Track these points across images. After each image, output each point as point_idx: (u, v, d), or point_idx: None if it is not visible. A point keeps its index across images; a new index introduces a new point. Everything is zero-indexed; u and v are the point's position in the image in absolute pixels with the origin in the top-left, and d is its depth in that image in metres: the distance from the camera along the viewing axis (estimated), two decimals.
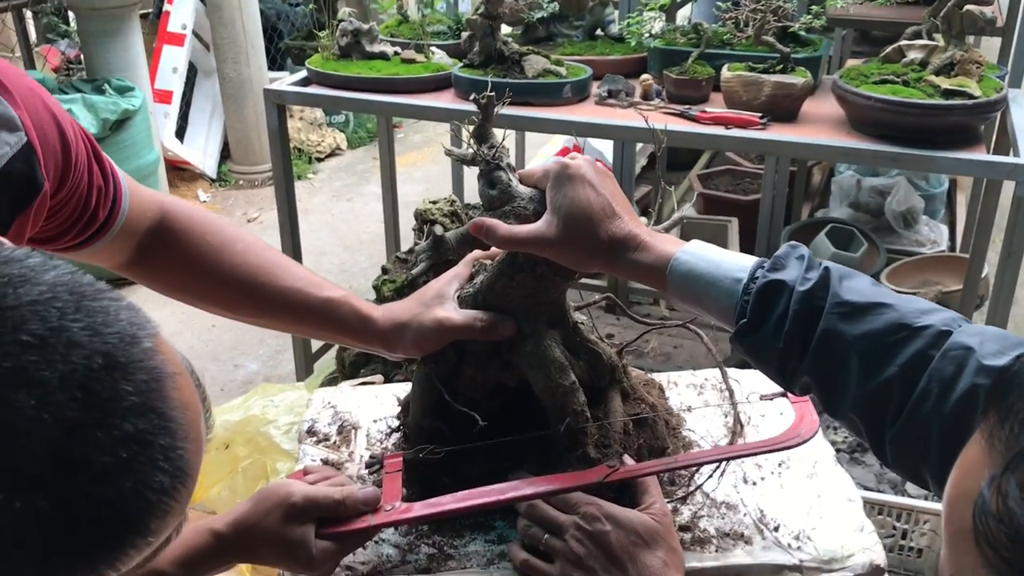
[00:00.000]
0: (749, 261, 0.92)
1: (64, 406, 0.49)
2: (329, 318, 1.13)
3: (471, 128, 1.06)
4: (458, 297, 1.11)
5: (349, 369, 2.56)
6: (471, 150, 1.06)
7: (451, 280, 1.13)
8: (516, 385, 1.12)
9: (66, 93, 3.73)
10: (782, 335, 0.86)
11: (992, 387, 0.53)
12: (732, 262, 0.93)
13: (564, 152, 4.03)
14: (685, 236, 3.51)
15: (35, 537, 0.49)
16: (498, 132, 1.07)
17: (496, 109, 1.06)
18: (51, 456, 0.48)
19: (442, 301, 1.10)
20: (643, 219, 1.10)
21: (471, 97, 1.04)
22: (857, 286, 0.87)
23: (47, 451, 0.48)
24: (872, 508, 2.40)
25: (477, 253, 1.14)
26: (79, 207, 0.92)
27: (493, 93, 1.04)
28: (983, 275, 3.22)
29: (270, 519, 0.97)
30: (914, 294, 3.13)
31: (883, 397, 0.82)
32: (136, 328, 0.54)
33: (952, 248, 3.93)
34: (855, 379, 0.83)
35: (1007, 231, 2.08)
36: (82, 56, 4.79)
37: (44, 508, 0.48)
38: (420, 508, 1.01)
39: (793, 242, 0.94)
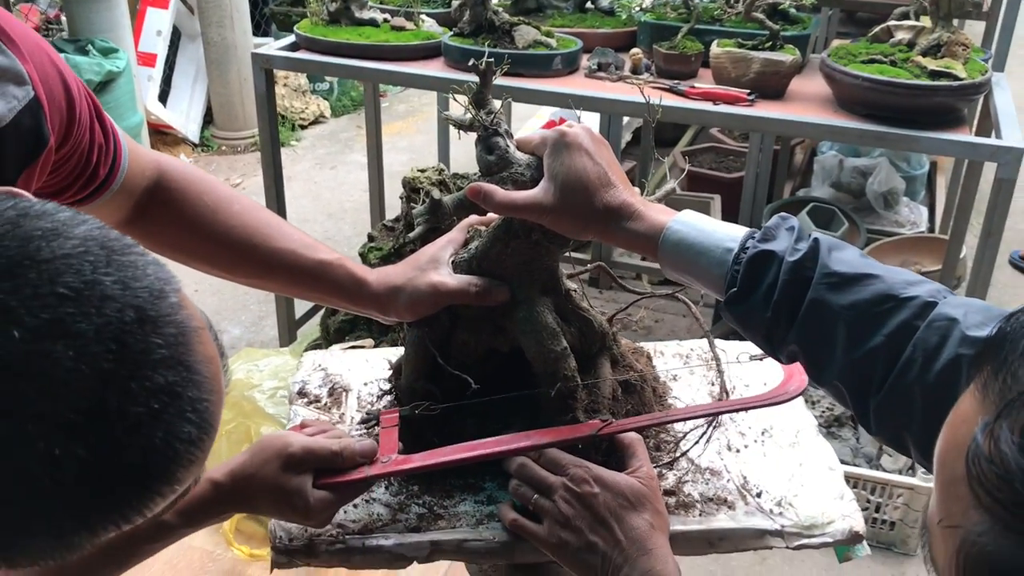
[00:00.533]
0: (740, 231, 0.94)
1: (100, 358, 0.50)
2: (323, 280, 1.14)
3: (469, 94, 1.07)
4: (453, 262, 1.12)
5: (334, 335, 2.57)
6: (469, 116, 1.07)
7: (446, 245, 1.14)
8: (508, 350, 1.13)
9: None
10: (771, 304, 0.88)
11: (986, 344, 0.55)
12: (723, 232, 0.94)
13: (550, 125, 4.03)
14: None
15: (72, 483, 0.50)
16: (496, 99, 1.08)
17: (494, 76, 1.06)
18: (89, 406, 0.50)
19: (437, 266, 1.12)
20: (635, 189, 1.12)
21: (470, 63, 1.05)
22: (846, 257, 0.89)
23: (85, 401, 0.50)
24: (847, 481, 2.45)
25: (472, 219, 1.15)
26: (81, 163, 0.92)
27: (492, 59, 1.05)
28: (961, 256, 3.27)
29: (268, 468, 0.99)
30: None
31: (868, 366, 0.84)
32: (163, 283, 0.56)
33: (931, 229, 3.98)
34: (841, 348, 0.86)
35: (987, 212, 2.11)
36: (63, 16, 4.73)
37: (81, 455, 0.50)
38: (418, 459, 1.03)
39: (783, 213, 0.96)
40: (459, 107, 1.07)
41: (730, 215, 3.74)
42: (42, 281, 0.50)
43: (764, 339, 0.93)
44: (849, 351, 0.85)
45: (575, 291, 1.16)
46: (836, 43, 4.22)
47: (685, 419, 1.14)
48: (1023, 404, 0.48)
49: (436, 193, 1.07)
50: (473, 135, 1.08)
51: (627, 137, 4.63)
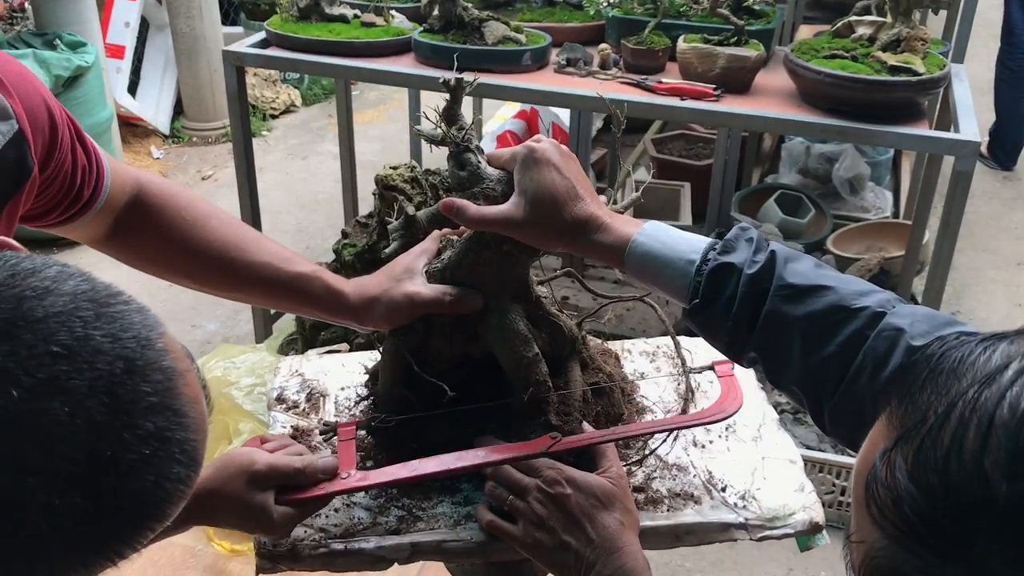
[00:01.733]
0: (702, 243, 0.99)
1: (94, 411, 0.53)
2: (301, 292, 1.17)
3: (440, 110, 1.10)
4: (426, 272, 1.16)
5: (310, 331, 2.60)
6: (440, 131, 1.10)
7: (419, 255, 1.18)
8: (481, 356, 1.17)
9: (16, 48, 3.66)
10: (731, 315, 0.93)
11: (899, 373, 0.61)
12: (686, 244, 0.99)
13: (521, 115, 4.06)
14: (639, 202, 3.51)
15: (70, 528, 0.54)
16: (467, 114, 1.11)
17: (465, 92, 1.10)
18: (85, 457, 0.53)
19: (411, 276, 1.15)
20: (602, 198, 1.16)
21: (440, 80, 1.08)
22: (801, 269, 0.93)
23: (82, 453, 0.53)
24: (813, 466, 2.52)
25: (445, 229, 1.19)
26: (65, 186, 0.95)
27: (462, 76, 1.08)
28: (924, 241, 3.35)
29: (232, 485, 1.02)
30: (858, 259, 3.25)
31: (823, 373, 0.89)
32: (148, 330, 0.59)
33: (897, 213, 4.06)
34: (797, 356, 0.91)
35: (945, 204, 2.18)
36: (29, 7, 4.68)
37: (79, 503, 0.53)
38: (374, 477, 1.08)
39: (743, 224, 1.00)
40: (431, 122, 1.10)
41: (700, 203, 3.80)
42: (36, 341, 0.52)
43: (726, 346, 0.98)
44: (805, 359, 0.90)
45: (545, 296, 1.20)
46: (803, 28, 4.28)
47: (629, 438, 1.18)
48: (918, 433, 0.53)
49: (411, 208, 1.10)
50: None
51: (598, 124, 4.66)
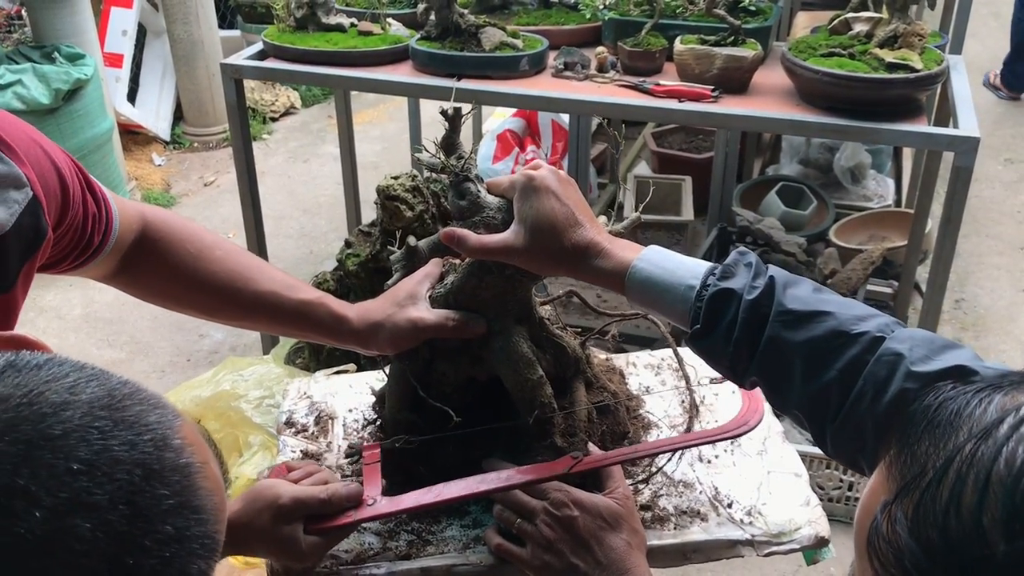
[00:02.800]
0: (701, 268, 0.99)
1: (115, 523, 0.54)
2: (305, 319, 1.18)
3: (439, 140, 1.11)
4: (430, 297, 1.17)
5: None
6: (439, 160, 1.11)
7: (422, 280, 1.19)
8: (487, 379, 1.19)
9: (16, 62, 3.67)
10: (732, 341, 0.94)
11: (901, 420, 0.61)
12: (685, 269, 0.99)
13: (521, 113, 4.06)
14: (641, 196, 3.54)
15: None
16: (466, 144, 1.12)
17: (463, 121, 1.11)
18: (107, 569, 0.53)
19: (415, 301, 1.16)
20: (603, 218, 1.17)
21: (439, 110, 1.09)
22: (800, 294, 0.94)
23: (105, 564, 0.53)
24: (821, 462, 2.54)
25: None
26: (76, 236, 0.97)
27: (460, 105, 1.09)
28: (927, 230, 3.35)
29: (261, 520, 1.04)
30: (861, 251, 3.25)
31: (824, 397, 0.90)
32: (165, 429, 0.59)
33: (899, 201, 4.06)
34: (798, 381, 0.91)
35: (946, 199, 2.18)
36: (27, 18, 4.68)
37: None
38: (399, 503, 1.09)
39: (742, 248, 1.01)
40: (433, 153, 1.11)
41: (701, 196, 3.80)
42: (56, 460, 0.53)
43: (728, 370, 0.99)
44: (805, 384, 0.91)
45: (549, 318, 1.21)
46: (801, 16, 4.26)
47: (651, 455, 1.19)
48: (917, 487, 0.54)
49: (412, 240, 1.11)
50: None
51: (597, 120, 4.66)
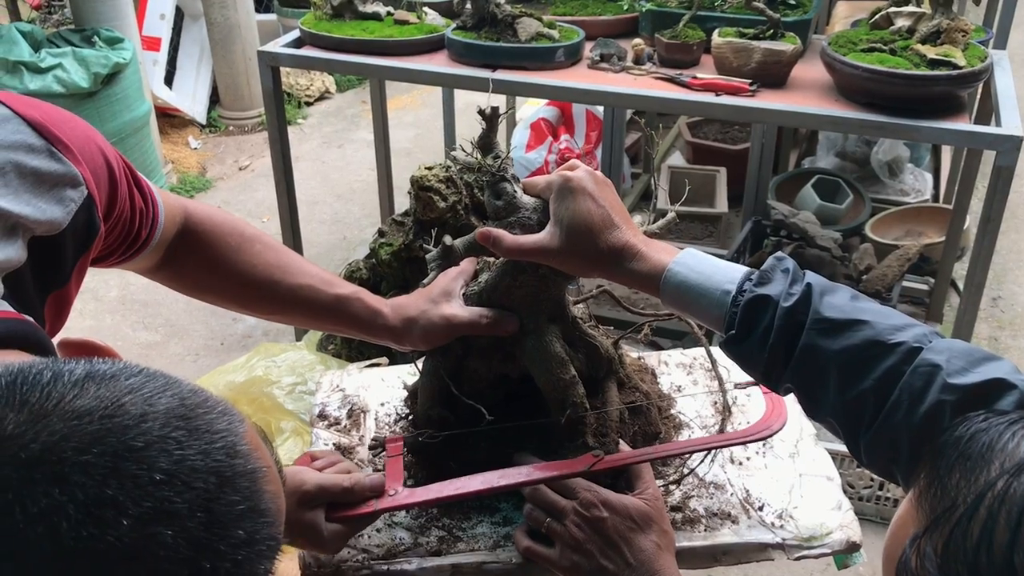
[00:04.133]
0: (738, 272, 0.99)
1: (193, 530, 0.56)
2: (341, 314, 1.19)
3: (475, 139, 1.11)
4: (463, 294, 1.17)
5: None
6: (476, 159, 1.11)
7: (457, 277, 1.20)
8: (518, 376, 1.19)
9: (57, 46, 3.71)
10: (767, 347, 0.93)
11: (930, 450, 0.61)
12: (722, 274, 0.99)
13: (555, 102, 4.04)
14: (674, 187, 3.51)
15: None
16: (501, 137, 1.12)
17: (500, 119, 1.11)
18: (187, 573, 0.56)
19: (449, 298, 1.17)
20: (638, 217, 1.17)
21: (477, 110, 1.09)
22: (837, 302, 0.93)
23: (186, 569, 0.56)
24: (851, 461, 2.52)
25: None
26: (125, 230, 0.99)
27: (498, 106, 1.09)
28: (965, 227, 3.30)
29: (285, 505, 1.06)
30: (897, 246, 3.21)
31: (859, 406, 0.89)
32: (233, 436, 0.61)
33: (936, 196, 4.00)
34: (833, 390, 0.91)
35: (986, 199, 2.14)
36: (67, 1, 4.73)
37: None
38: (420, 494, 1.10)
39: (779, 254, 1.00)
40: (469, 152, 1.11)
41: (736, 188, 3.77)
42: (140, 471, 0.55)
43: (762, 376, 0.98)
44: (841, 392, 0.91)
45: (581, 317, 1.21)
46: (840, 5, 4.19)
47: (670, 456, 1.19)
48: (947, 522, 0.54)
49: (448, 239, 1.11)
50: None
51: (631, 110, 4.63)
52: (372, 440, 1.28)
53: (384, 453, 1.20)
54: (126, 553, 0.54)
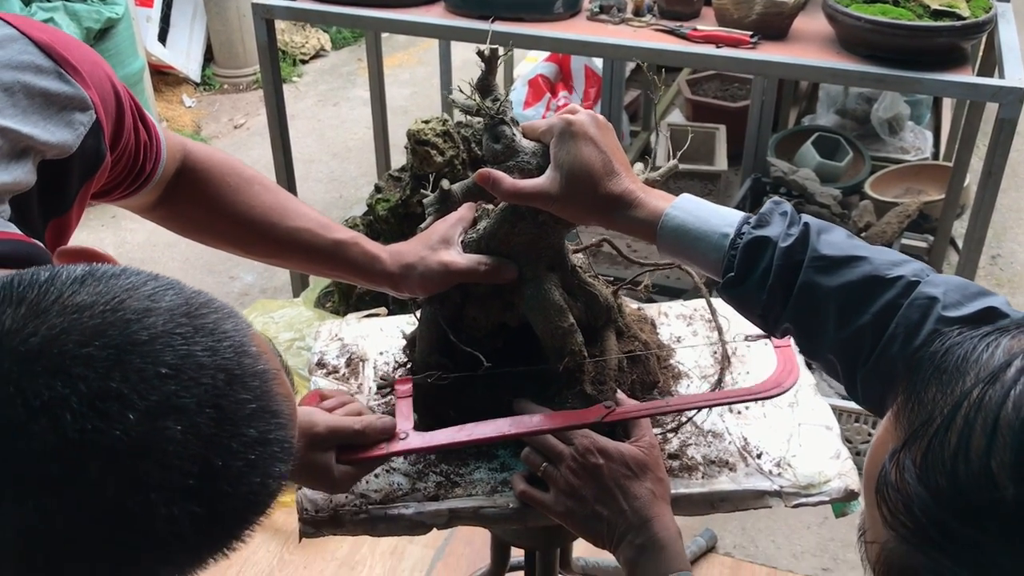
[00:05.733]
0: (735, 216, 0.98)
1: (203, 426, 0.56)
2: (339, 258, 1.19)
3: (473, 81, 1.09)
4: (462, 242, 1.16)
5: (346, 284, 2.62)
6: (475, 102, 1.09)
7: (455, 224, 1.18)
8: (517, 324, 1.18)
9: (48, 0, 3.65)
10: (766, 287, 0.93)
11: (906, 368, 0.60)
12: (719, 218, 0.98)
13: (553, 58, 4.00)
14: (675, 144, 3.50)
15: (190, 534, 0.57)
16: (500, 85, 1.10)
17: (499, 61, 1.09)
18: (199, 470, 0.56)
19: (447, 245, 1.16)
20: (639, 165, 1.15)
21: (476, 51, 1.07)
22: (834, 239, 0.93)
23: (196, 466, 0.56)
24: (850, 416, 2.53)
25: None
26: (129, 163, 0.99)
27: (497, 47, 1.07)
28: (965, 184, 3.28)
29: (296, 446, 1.06)
30: (897, 204, 3.20)
31: (857, 341, 0.89)
32: (241, 336, 0.61)
33: (936, 155, 3.97)
34: (832, 326, 0.91)
35: (987, 153, 2.13)
36: None
37: (197, 511, 0.57)
38: (431, 439, 1.10)
39: (776, 198, 0.99)
40: (468, 94, 1.10)
41: (736, 145, 3.75)
42: (145, 364, 0.55)
43: (760, 318, 0.98)
44: (839, 329, 0.90)
45: (581, 266, 1.20)
46: None
47: (681, 410, 1.18)
48: (925, 433, 0.54)
49: (446, 183, 1.10)
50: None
51: (631, 64, 4.58)
52: (380, 379, 1.28)
53: (393, 393, 1.19)
54: (134, 447, 0.54)
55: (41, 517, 0.53)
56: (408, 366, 1.28)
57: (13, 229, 0.77)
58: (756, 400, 1.16)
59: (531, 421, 1.09)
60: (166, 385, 0.55)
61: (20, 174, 0.78)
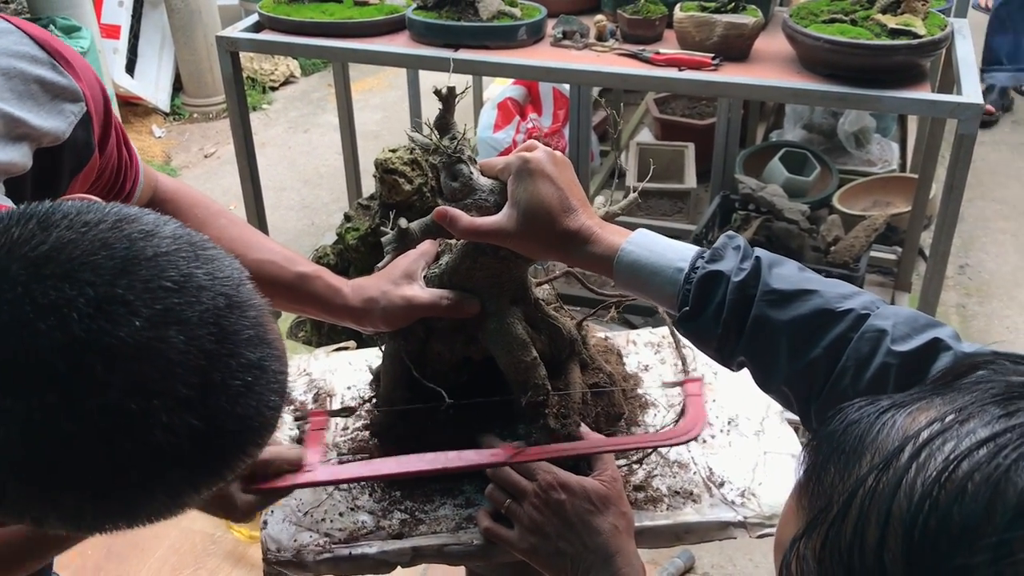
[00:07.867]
0: (690, 251, 0.99)
1: (204, 339, 0.58)
2: (302, 291, 1.19)
3: (433, 120, 1.09)
4: (425, 276, 1.16)
5: None
6: (433, 141, 1.10)
7: (418, 259, 1.19)
8: (481, 359, 1.18)
9: None
10: (720, 322, 0.93)
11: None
12: (674, 252, 0.99)
13: (522, 81, 4.02)
14: (643, 162, 3.51)
15: (187, 447, 0.58)
16: (464, 117, 1.11)
17: (458, 100, 1.09)
18: (199, 382, 0.58)
19: (410, 280, 1.16)
20: (600, 199, 1.16)
21: (432, 89, 1.07)
22: (785, 272, 0.94)
23: (196, 377, 0.57)
24: None
25: None
26: (112, 176, 1.01)
27: (454, 86, 1.08)
28: (932, 195, 3.32)
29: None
30: (864, 217, 3.23)
31: (809, 375, 0.89)
32: (239, 272, 0.64)
33: (903, 166, 4.02)
34: (785, 359, 0.91)
35: (949, 167, 2.16)
36: None
37: (195, 424, 0.58)
38: (336, 473, 1.11)
39: (730, 232, 1.00)
40: (427, 132, 1.10)
41: (705, 162, 3.77)
42: (151, 276, 0.57)
43: (716, 351, 0.98)
44: (792, 362, 0.91)
45: (545, 300, 1.21)
46: None
47: (584, 455, 1.15)
48: (824, 520, 0.52)
49: (404, 221, 1.10)
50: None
51: (599, 87, 4.61)
52: (294, 411, 1.28)
53: (306, 426, 1.20)
54: (138, 350, 0.56)
55: (44, 414, 0.55)
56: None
57: (8, 203, 0.79)
58: (662, 446, 1.19)
59: (437, 459, 1.10)
60: (170, 297, 0.57)
61: (16, 156, 0.80)
